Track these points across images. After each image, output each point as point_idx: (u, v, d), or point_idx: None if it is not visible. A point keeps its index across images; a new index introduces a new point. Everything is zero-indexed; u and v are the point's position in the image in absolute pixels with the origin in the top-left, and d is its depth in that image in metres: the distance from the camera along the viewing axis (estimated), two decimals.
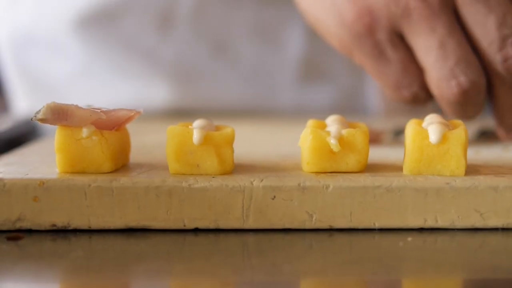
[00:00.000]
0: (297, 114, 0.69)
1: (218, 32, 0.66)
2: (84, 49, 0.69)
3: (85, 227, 0.33)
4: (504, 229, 0.33)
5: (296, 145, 0.36)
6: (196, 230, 0.33)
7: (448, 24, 0.41)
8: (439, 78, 0.41)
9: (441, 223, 0.33)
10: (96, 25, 0.68)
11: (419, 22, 0.41)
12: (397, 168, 0.36)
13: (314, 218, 0.33)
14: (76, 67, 0.70)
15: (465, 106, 0.42)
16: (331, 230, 0.33)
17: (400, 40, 0.42)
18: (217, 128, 0.36)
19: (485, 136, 0.48)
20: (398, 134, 0.48)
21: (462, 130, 0.34)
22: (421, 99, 0.44)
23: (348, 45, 0.44)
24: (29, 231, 0.33)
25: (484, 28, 0.40)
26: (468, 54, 0.41)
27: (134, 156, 0.38)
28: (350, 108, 0.70)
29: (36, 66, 0.72)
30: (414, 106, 0.45)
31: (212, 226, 0.33)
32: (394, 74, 0.43)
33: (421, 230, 0.33)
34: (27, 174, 0.34)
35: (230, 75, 0.69)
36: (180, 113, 0.68)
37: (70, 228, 0.33)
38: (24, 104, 0.75)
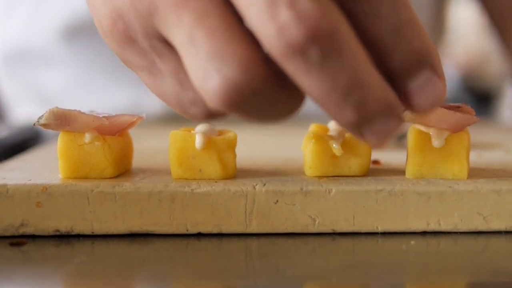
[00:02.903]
0: (296, 118, 0.69)
1: None
2: (77, 59, 0.70)
3: (88, 232, 0.33)
4: (507, 232, 0.33)
5: (299, 149, 0.36)
6: (199, 235, 0.33)
7: (199, 10, 0.29)
8: (197, 84, 0.29)
9: (444, 227, 0.33)
10: (87, 35, 0.68)
11: (167, 15, 0.30)
12: (399, 172, 0.36)
13: (317, 222, 0.33)
14: (70, 77, 0.71)
15: (248, 112, 0.29)
16: (334, 234, 0.33)
17: (165, 45, 0.32)
18: (220, 133, 0.36)
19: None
20: (401, 138, 0.48)
21: (465, 134, 0.34)
22: (216, 115, 0.32)
23: (122, 58, 0.35)
24: (32, 237, 0.33)
25: None
26: (226, 44, 0.28)
27: (137, 161, 0.38)
28: None
29: (31, 78, 0.72)
30: (215, 121, 0.33)
31: (215, 230, 0.33)
32: (172, 89, 0.33)
33: (424, 233, 0.33)
34: (30, 179, 0.34)
35: None
36: (175, 118, 0.68)
37: (73, 233, 0.33)
38: (22, 112, 0.75)
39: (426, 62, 0.30)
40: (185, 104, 0.32)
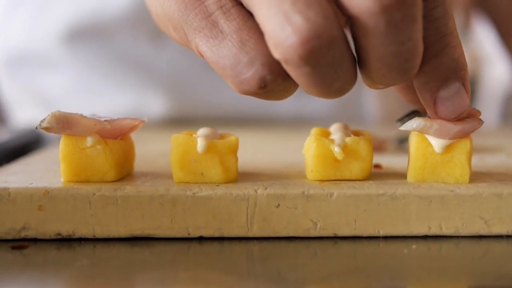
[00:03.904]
0: (296, 122, 0.69)
1: None
2: (78, 63, 0.70)
3: (90, 236, 0.33)
4: (509, 236, 0.33)
5: (300, 153, 0.36)
6: (201, 239, 0.33)
7: None
8: (274, 30, 0.30)
9: (445, 231, 0.33)
10: (89, 39, 0.69)
11: None
12: (401, 176, 0.36)
13: (318, 226, 0.33)
14: (72, 81, 0.71)
15: (320, 66, 0.30)
16: (335, 238, 0.33)
17: (234, 5, 0.33)
18: (221, 137, 0.36)
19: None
20: (402, 141, 0.48)
21: (467, 138, 0.34)
22: (269, 81, 0.32)
23: (180, 27, 0.35)
24: (34, 240, 0.33)
25: None
26: None
27: (138, 165, 0.39)
28: (348, 116, 0.70)
29: (32, 82, 0.73)
30: (268, 98, 0.33)
31: (216, 234, 0.33)
32: (230, 51, 0.32)
33: (425, 237, 0.33)
34: (32, 183, 0.34)
35: (225, 83, 0.69)
36: (177, 122, 0.68)
37: (74, 237, 0.33)
38: (24, 116, 0.75)
39: (460, 74, 0.33)
40: (240, 66, 0.32)
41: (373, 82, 0.32)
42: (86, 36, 0.68)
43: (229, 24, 0.33)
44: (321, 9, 0.29)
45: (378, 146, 0.45)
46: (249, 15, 0.33)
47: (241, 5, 0.33)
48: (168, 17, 0.35)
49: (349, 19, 0.31)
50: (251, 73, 0.32)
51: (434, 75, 0.33)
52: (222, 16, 0.33)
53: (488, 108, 1.84)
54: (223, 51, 0.33)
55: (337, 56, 0.30)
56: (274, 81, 0.32)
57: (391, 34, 0.30)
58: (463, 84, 0.33)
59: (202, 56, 0.34)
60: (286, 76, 0.31)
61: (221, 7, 0.33)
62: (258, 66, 0.32)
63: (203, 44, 0.34)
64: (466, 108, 0.34)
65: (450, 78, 0.33)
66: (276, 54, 0.30)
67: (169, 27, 0.36)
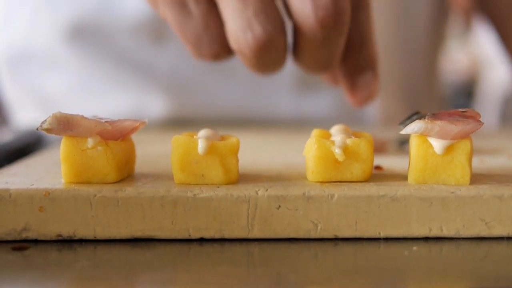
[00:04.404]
0: (297, 123, 0.69)
1: None
2: (79, 63, 0.70)
3: (91, 237, 0.33)
4: (510, 238, 0.33)
5: (301, 154, 0.36)
6: (201, 240, 0.33)
7: None
8: (236, 30, 0.38)
9: (446, 232, 0.33)
10: (90, 40, 0.69)
11: None
12: (402, 178, 0.36)
13: (319, 228, 0.33)
14: (73, 81, 0.71)
15: (263, 61, 0.40)
16: (336, 240, 0.33)
17: None
18: (222, 138, 0.36)
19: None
20: (403, 143, 0.48)
21: (467, 140, 0.34)
22: (222, 57, 0.42)
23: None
24: (35, 241, 0.33)
25: None
26: (269, 6, 0.38)
27: (139, 166, 0.39)
28: (349, 118, 0.70)
29: (33, 81, 0.73)
30: (216, 62, 0.43)
31: (217, 235, 0.33)
32: (195, 29, 0.40)
33: (426, 239, 0.33)
34: (33, 184, 0.34)
35: (226, 84, 0.69)
36: (178, 123, 0.68)
37: (75, 238, 0.33)
38: (25, 116, 0.75)
39: (373, 65, 0.43)
40: (202, 42, 0.41)
41: (302, 69, 0.43)
42: (87, 36, 0.68)
43: (197, 7, 0.40)
44: (276, 22, 0.39)
45: (379, 148, 0.45)
46: (214, 3, 0.40)
47: None
48: None
49: (294, 24, 0.40)
50: (209, 50, 0.41)
51: (354, 66, 0.43)
52: None
53: (488, 110, 1.85)
54: (188, 28, 0.40)
55: (278, 55, 0.40)
56: (225, 56, 0.42)
57: (323, 43, 0.39)
58: (374, 73, 0.43)
59: (164, 19, 0.42)
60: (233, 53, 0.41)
61: None
62: (216, 46, 0.41)
63: (171, 16, 0.41)
64: (377, 91, 0.44)
65: (365, 68, 0.43)
66: (234, 46, 0.39)
67: None
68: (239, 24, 0.38)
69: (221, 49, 0.41)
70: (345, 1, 0.39)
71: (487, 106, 1.90)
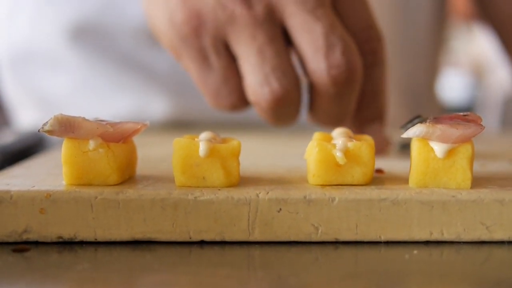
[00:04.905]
0: (298, 126, 0.69)
1: None
2: (81, 64, 0.70)
3: (91, 239, 0.33)
4: (510, 242, 0.33)
5: (302, 157, 0.36)
6: (202, 243, 0.33)
7: (270, 34, 0.41)
8: (254, 84, 0.41)
9: (447, 236, 0.33)
10: (92, 41, 0.69)
11: (242, 30, 0.41)
12: (403, 181, 0.36)
13: (319, 231, 0.33)
14: (74, 82, 0.71)
15: (278, 114, 0.42)
16: (336, 243, 0.33)
17: (225, 48, 0.43)
18: (223, 141, 0.36)
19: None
20: (404, 147, 0.48)
21: (468, 144, 0.34)
22: (238, 108, 0.45)
23: (176, 47, 0.44)
24: (36, 243, 0.33)
25: (311, 35, 0.41)
26: (286, 64, 0.41)
27: (140, 168, 0.39)
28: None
29: (35, 82, 0.73)
30: (233, 113, 0.46)
31: (218, 238, 0.33)
32: (215, 82, 0.44)
33: (427, 243, 0.33)
34: (34, 186, 0.34)
35: None
36: (179, 125, 0.68)
37: (76, 240, 0.33)
38: (26, 117, 0.75)
39: (381, 116, 0.46)
40: (220, 94, 0.44)
41: (314, 122, 0.46)
42: (89, 37, 0.68)
43: (218, 61, 0.43)
44: (292, 78, 0.41)
45: (385, 144, 0.45)
46: (234, 58, 0.43)
47: (229, 49, 0.43)
48: (167, 37, 0.44)
49: (309, 81, 0.42)
50: (227, 101, 0.44)
51: (363, 118, 0.45)
52: (215, 54, 0.43)
53: (490, 114, 1.85)
54: (209, 80, 0.44)
55: (292, 109, 0.43)
56: (242, 107, 0.45)
57: (336, 99, 0.42)
58: (381, 123, 0.46)
59: (186, 70, 0.45)
60: (250, 104, 0.44)
61: (214, 46, 0.42)
62: (234, 98, 0.44)
63: (193, 69, 0.44)
64: (383, 140, 0.45)
65: (374, 119, 0.45)
66: (251, 98, 0.42)
67: (163, 41, 0.45)
68: (258, 79, 0.41)
69: (238, 100, 0.44)
70: (357, 61, 0.41)
71: (488, 110, 1.90)
